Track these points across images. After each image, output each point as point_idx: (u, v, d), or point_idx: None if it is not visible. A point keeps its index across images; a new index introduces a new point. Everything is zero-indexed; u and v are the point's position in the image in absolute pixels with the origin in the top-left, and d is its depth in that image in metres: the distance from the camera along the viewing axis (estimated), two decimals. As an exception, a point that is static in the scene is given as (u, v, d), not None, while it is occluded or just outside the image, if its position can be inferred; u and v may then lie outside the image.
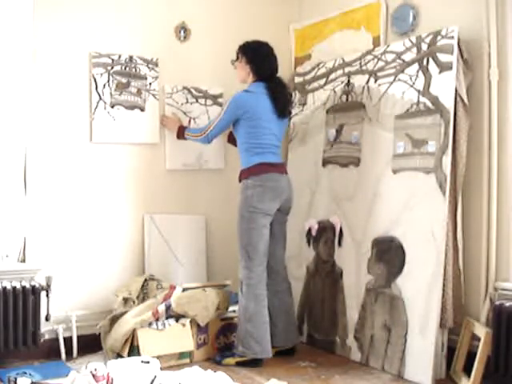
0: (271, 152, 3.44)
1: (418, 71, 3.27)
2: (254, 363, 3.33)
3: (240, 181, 3.45)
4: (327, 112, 3.83)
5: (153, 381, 2.70)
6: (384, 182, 3.40)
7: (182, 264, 3.86)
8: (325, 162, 3.82)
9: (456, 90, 3.08)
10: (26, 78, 3.39)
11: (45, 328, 3.36)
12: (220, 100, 4.03)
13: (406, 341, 3.17)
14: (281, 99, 3.45)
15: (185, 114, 3.90)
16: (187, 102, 3.91)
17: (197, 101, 3.96)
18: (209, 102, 4.00)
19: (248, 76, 3.49)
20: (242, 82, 3.54)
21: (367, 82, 3.57)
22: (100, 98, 3.59)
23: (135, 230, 3.75)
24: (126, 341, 3.23)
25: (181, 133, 3.70)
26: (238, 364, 3.34)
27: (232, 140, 3.83)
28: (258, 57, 3.47)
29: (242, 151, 3.47)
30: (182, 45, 3.92)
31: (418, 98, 3.25)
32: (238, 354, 3.36)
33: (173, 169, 3.87)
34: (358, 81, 3.63)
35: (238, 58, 3.54)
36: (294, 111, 3.92)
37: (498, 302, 2.91)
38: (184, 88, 3.90)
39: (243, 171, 3.44)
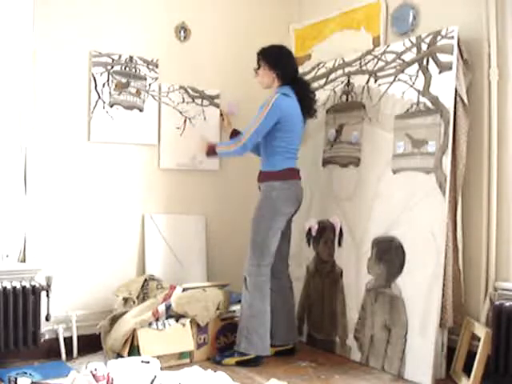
0: (296, 157, 3.49)
1: (417, 71, 3.27)
2: (254, 362, 3.34)
3: (262, 181, 3.43)
4: (327, 112, 3.83)
5: (153, 381, 2.69)
6: (384, 181, 3.40)
7: (182, 264, 3.86)
8: (325, 162, 3.82)
9: (456, 90, 3.08)
10: (25, 77, 3.39)
11: (45, 328, 3.36)
12: (217, 101, 4.03)
13: (406, 341, 3.17)
14: (308, 101, 3.48)
15: (180, 113, 3.90)
16: (183, 101, 3.91)
17: (193, 101, 3.95)
18: (205, 102, 4.00)
19: (273, 82, 3.46)
20: (267, 88, 3.51)
21: (367, 82, 3.57)
22: (99, 97, 3.59)
23: (135, 229, 3.75)
24: (126, 341, 3.23)
25: (211, 149, 3.63)
26: (238, 364, 3.34)
27: (234, 137, 3.84)
28: (281, 61, 3.44)
29: (271, 153, 3.42)
30: (182, 45, 3.92)
31: (418, 97, 3.25)
32: (238, 353, 3.36)
33: (171, 169, 3.87)
34: (358, 81, 3.63)
35: (259, 65, 3.48)
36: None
37: (497, 302, 2.91)
38: (181, 87, 3.90)
39: (270, 173, 3.39)
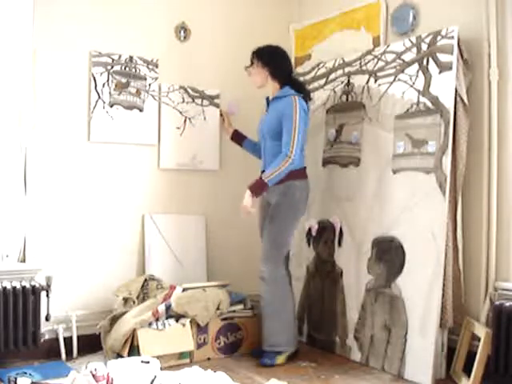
0: (304, 155, 3.50)
1: (418, 71, 3.27)
2: (292, 356, 3.46)
3: (281, 181, 3.35)
4: (327, 112, 3.83)
5: (153, 381, 2.69)
6: (384, 181, 3.40)
7: (182, 264, 3.86)
8: (325, 162, 3.82)
9: (456, 90, 3.08)
10: (25, 77, 3.39)
11: (45, 328, 3.36)
12: (217, 101, 4.02)
13: (406, 341, 3.17)
14: (307, 102, 3.49)
15: (180, 113, 3.90)
16: (183, 101, 3.91)
17: (193, 101, 3.95)
18: (205, 102, 3.99)
19: (266, 80, 3.45)
20: (260, 87, 3.51)
21: (367, 82, 3.57)
22: (99, 97, 3.59)
23: (135, 229, 3.75)
24: (126, 341, 3.23)
25: (258, 186, 3.28)
26: (287, 359, 3.42)
27: (236, 138, 3.85)
28: (274, 59, 3.44)
29: None
30: (182, 45, 3.92)
31: (418, 97, 3.25)
32: (281, 351, 3.40)
33: (171, 169, 3.87)
34: (358, 81, 3.63)
35: (252, 63, 3.48)
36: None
37: (497, 302, 2.91)
38: (181, 87, 3.89)
39: (291, 173, 3.33)
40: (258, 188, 3.30)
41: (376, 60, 3.53)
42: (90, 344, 3.44)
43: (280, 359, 3.39)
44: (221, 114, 4.01)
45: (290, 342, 3.45)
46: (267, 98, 3.55)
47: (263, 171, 3.46)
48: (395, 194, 3.32)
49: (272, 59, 3.44)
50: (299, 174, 3.40)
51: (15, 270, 3.32)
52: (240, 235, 4.07)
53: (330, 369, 3.32)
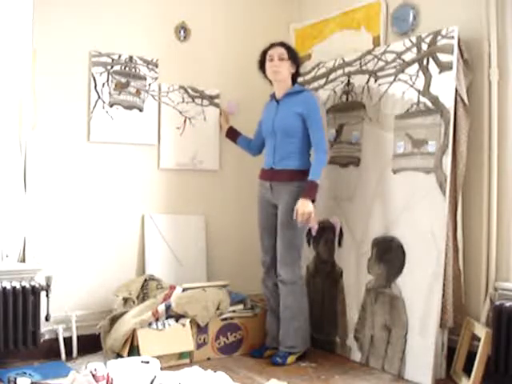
0: None
1: (418, 71, 3.27)
2: (303, 354, 3.50)
3: (289, 180, 3.40)
4: (327, 112, 3.82)
5: (153, 381, 2.69)
6: (384, 181, 3.40)
7: (182, 264, 3.86)
8: (325, 162, 3.82)
9: (456, 90, 3.08)
10: (25, 77, 3.39)
11: (45, 328, 3.35)
12: (217, 101, 4.02)
13: (406, 341, 3.17)
14: None
15: (180, 113, 3.90)
16: (183, 101, 3.91)
17: (193, 101, 3.95)
18: (205, 102, 3.99)
19: (289, 77, 3.49)
20: (280, 81, 3.47)
21: (367, 82, 3.56)
22: (99, 97, 3.59)
23: (135, 229, 3.75)
24: (126, 341, 3.23)
25: (313, 189, 3.31)
26: (297, 359, 3.44)
27: (230, 135, 3.87)
28: (299, 61, 3.56)
29: (302, 151, 3.43)
30: (182, 45, 3.92)
31: (418, 97, 3.25)
32: (293, 351, 3.42)
33: (171, 169, 3.87)
34: (358, 81, 3.63)
35: (287, 56, 3.48)
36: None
37: (498, 302, 2.91)
38: (180, 87, 3.89)
39: (302, 172, 3.38)
40: (314, 192, 3.31)
41: (376, 60, 3.53)
42: (90, 344, 3.44)
43: (291, 359, 3.41)
44: (221, 113, 4.01)
45: (305, 342, 3.47)
46: (273, 96, 3.56)
47: (271, 168, 3.47)
48: (395, 194, 3.32)
49: (298, 59, 3.53)
50: (307, 174, 3.39)
51: (15, 270, 3.32)
52: (240, 235, 4.08)
53: (330, 369, 3.32)
